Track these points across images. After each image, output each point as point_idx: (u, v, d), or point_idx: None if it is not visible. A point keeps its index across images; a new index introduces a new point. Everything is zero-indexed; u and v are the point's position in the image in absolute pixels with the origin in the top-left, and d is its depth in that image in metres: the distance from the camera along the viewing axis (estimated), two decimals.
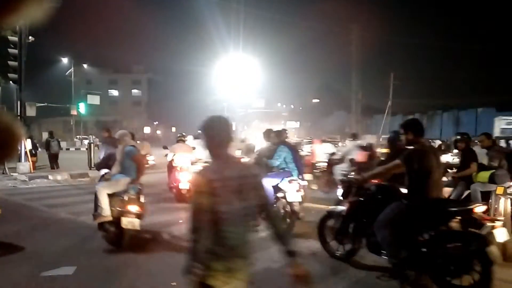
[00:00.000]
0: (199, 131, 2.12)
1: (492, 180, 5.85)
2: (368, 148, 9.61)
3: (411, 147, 4.14)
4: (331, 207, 5.45)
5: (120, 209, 5.33)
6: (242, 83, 39.02)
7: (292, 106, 66.24)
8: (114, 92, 71.69)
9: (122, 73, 70.95)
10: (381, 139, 22.48)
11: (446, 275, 3.87)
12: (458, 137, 6.73)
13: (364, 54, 39.12)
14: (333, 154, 12.04)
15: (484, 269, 3.67)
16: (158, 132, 57.87)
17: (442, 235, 3.98)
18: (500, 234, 4.74)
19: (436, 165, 4.03)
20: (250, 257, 2.11)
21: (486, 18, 58.10)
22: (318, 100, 55.99)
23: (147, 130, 56.70)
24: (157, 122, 62.07)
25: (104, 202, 5.37)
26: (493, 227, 4.75)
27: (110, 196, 5.43)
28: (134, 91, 73.20)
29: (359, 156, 9.10)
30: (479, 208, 4.22)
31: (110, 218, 5.39)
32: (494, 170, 6.03)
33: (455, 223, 4.27)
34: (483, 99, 35.82)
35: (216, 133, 2.10)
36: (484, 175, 6.04)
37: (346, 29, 36.15)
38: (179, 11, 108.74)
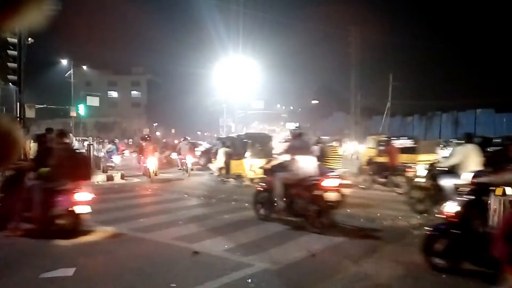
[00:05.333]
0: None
1: None
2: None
3: None
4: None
5: None
6: (242, 85, 39.02)
7: (291, 107, 66.29)
8: (114, 94, 71.72)
9: (121, 74, 70.99)
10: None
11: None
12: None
13: (363, 55, 39.04)
14: None
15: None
16: (158, 133, 57.79)
17: None
18: None
19: None
20: None
21: (486, 19, 58.20)
22: (317, 102, 56.00)
23: (146, 131, 56.66)
24: (156, 124, 62.01)
25: None
26: None
27: None
28: (134, 92, 73.21)
29: None
30: None
31: None
32: None
33: None
34: (482, 100, 35.82)
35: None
36: None
37: (345, 31, 36.19)
38: (179, 13, 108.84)
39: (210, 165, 15.13)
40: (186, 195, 10.56)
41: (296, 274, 4.56)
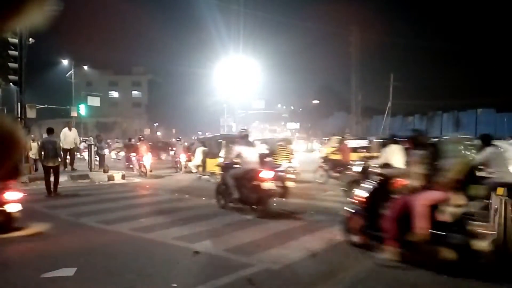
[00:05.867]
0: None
1: None
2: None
3: None
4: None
5: None
6: (242, 85, 39.04)
7: (292, 107, 66.25)
8: (114, 94, 71.75)
9: (122, 74, 71.02)
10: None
11: None
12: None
13: (364, 55, 39.10)
14: None
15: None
16: (159, 133, 57.82)
17: None
18: None
19: None
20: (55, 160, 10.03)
21: (486, 19, 58.23)
22: (318, 101, 55.97)
23: (147, 132, 56.79)
24: (157, 124, 62.05)
25: None
26: None
27: None
28: (134, 92, 73.24)
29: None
30: None
31: None
32: None
33: None
34: (483, 100, 35.80)
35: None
36: None
37: (346, 31, 36.21)
38: (180, 13, 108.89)
39: (189, 163, 16.28)
40: (187, 195, 10.56)
41: (297, 274, 4.56)
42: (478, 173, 6.83)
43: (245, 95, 41.97)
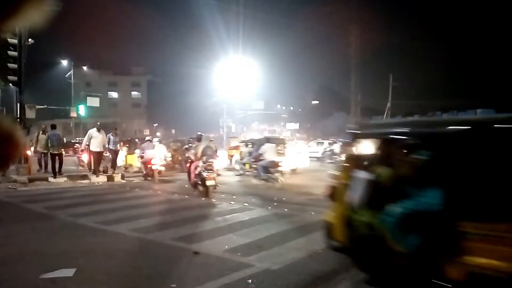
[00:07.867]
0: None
1: None
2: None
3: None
4: None
5: None
6: (242, 85, 39.05)
7: (292, 108, 66.34)
8: (114, 94, 71.67)
9: (121, 75, 70.92)
10: None
11: None
12: None
13: (363, 55, 39.02)
14: None
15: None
16: (158, 134, 57.80)
17: None
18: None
19: None
20: (58, 148, 13.27)
21: (487, 19, 58.27)
22: (317, 102, 56.02)
23: (146, 132, 56.68)
24: (156, 124, 62.01)
25: None
26: None
27: None
28: (134, 93, 73.17)
29: None
30: None
31: None
32: None
33: None
34: (482, 100, 35.81)
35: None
36: None
37: (345, 31, 36.21)
38: (179, 13, 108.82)
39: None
40: (186, 196, 10.56)
41: (296, 274, 4.56)
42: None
43: (244, 95, 42.00)
